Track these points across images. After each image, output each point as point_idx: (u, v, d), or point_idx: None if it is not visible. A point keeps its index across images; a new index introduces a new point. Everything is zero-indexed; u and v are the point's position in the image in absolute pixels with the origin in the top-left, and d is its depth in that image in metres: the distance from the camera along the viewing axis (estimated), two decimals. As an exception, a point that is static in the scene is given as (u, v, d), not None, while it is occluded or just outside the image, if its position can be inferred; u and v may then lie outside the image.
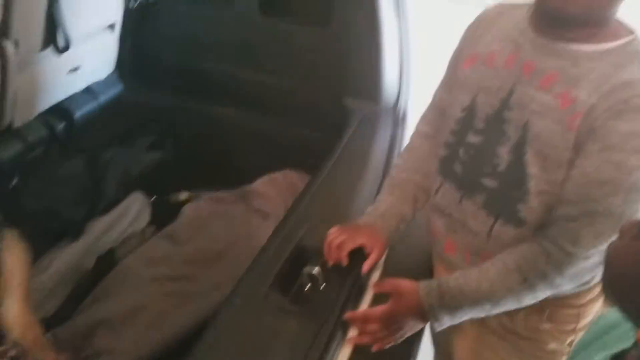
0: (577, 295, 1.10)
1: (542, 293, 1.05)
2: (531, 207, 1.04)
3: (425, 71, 2.20)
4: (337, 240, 1.18)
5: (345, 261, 1.18)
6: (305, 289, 1.22)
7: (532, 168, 1.02)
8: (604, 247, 0.96)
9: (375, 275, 1.29)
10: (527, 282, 1.03)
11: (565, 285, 1.04)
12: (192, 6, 2.09)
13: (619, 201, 0.95)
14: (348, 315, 1.14)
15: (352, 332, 1.15)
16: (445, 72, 1.22)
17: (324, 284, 1.20)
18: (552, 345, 1.16)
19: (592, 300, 1.13)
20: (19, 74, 1.51)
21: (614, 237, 0.95)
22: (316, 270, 1.21)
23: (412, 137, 1.29)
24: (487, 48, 1.10)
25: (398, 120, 1.95)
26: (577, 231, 0.98)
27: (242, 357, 1.05)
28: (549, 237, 1.01)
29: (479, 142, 1.09)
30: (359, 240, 1.19)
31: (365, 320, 1.12)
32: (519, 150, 1.03)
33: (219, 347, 1.06)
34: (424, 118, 1.28)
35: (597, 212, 0.96)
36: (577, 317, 1.14)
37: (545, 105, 1.00)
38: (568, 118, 0.97)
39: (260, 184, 2.04)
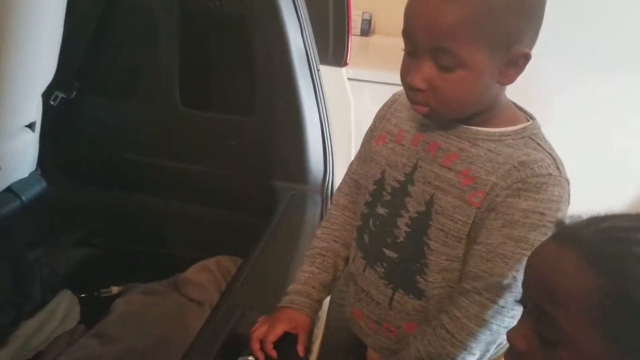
0: None
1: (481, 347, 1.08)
2: (430, 280, 1.10)
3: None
4: (257, 334, 1.19)
5: (273, 354, 1.18)
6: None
7: (434, 242, 1.07)
8: (507, 322, 1.03)
9: (315, 348, 1.29)
10: (460, 343, 1.06)
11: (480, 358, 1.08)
12: (112, 100, 2.11)
13: (520, 275, 0.99)
14: None
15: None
16: (360, 147, 1.29)
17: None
18: None
19: None
20: None
21: (516, 313, 1.01)
22: (251, 358, 1.20)
23: (330, 209, 1.35)
24: (397, 127, 1.17)
25: (326, 198, 2.00)
26: (480, 308, 1.03)
27: None
28: (452, 318, 1.05)
29: (385, 214, 1.14)
30: (279, 329, 1.20)
31: None
32: (420, 224, 1.09)
33: None
34: (340, 190, 1.34)
35: (501, 287, 1.01)
36: None
37: (448, 182, 1.06)
38: (469, 195, 1.03)
39: (193, 272, 2.02)
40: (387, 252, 1.13)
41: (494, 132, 1.04)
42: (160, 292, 2.01)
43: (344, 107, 2.39)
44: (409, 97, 1.04)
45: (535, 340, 0.71)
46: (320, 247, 1.29)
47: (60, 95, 1.98)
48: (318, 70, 2.02)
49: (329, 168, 2.06)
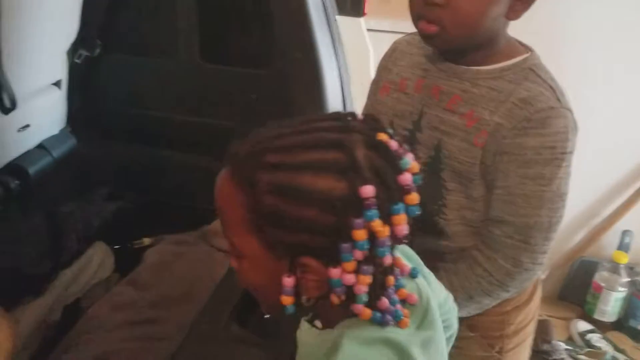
0: (500, 303, 1.15)
1: (493, 302, 1.12)
2: (449, 218, 1.12)
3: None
4: None
5: None
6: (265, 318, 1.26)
7: (450, 183, 1.10)
8: (541, 259, 1.06)
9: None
10: (473, 299, 1.10)
11: (512, 293, 1.11)
12: (134, 57, 2.15)
13: (545, 212, 1.03)
14: None
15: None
16: (366, 100, 1.31)
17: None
18: (479, 353, 1.22)
19: (517, 308, 1.20)
20: (-33, 136, 1.55)
21: (547, 248, 1.03)
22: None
23: None
24: (399, 76, 1.18)
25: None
26: (514, 250, 1.05)
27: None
28: (489, 258, 1.08)
29: None
30: None
31: None
32: (434, 167, 1.10)
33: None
34: None
35: (529, 226, 1.03)
36: (502, 324, 1.20)
37: (453, 126, 1.07)
38: (474, 136, 1.05)
39: (219, 223, 2.07)
40: None
41: (494, 69, 1.05)
42: (189, 243, 2.09)
43: (363, 59, 2.39)
44: (420, 15, 1.02)
45: (233, 257, 0.73)
46: None
47: (84, 53, 2.02)
48: (335, 20, 2.03)
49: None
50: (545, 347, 2.34)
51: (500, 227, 1.05)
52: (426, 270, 0.86)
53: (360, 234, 0.64)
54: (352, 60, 2.14)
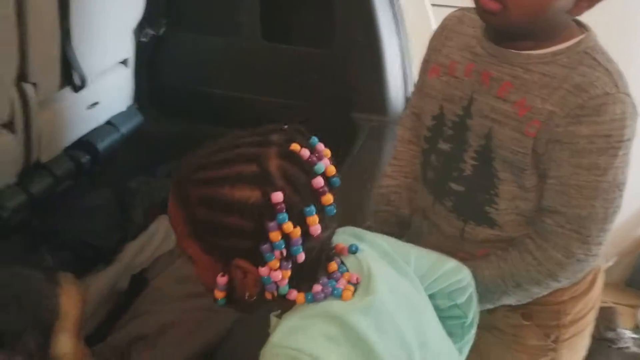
0: (555, 292, 1.12)
1: (543, 292, 1.08)
2: (501, 209, 1.09)
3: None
4: None
5: None
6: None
7: (502, 173, 1.06)
8: (595, 250, 1.02)
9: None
10: (521, 287, 1.07)
11: (564, 284, 1.08)
12: (199, 36, 2.20)
13: (600, 203, 0.98)
14: None
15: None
16: (417, 79, 1.26)
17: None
18: (534, 342, 1.18)
19: (575, 298, 1.15)
20: (40, 113, 1.63)
21: (603, 239, 1.00)
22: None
23: (396, 145, 1.33)
24: (448, 58, 1.13)
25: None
26: (566, 240, 1.01)
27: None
28: (539, 247, 1.04)
29: (448, 149, 1.13)
30: None
31: None
32: (485, 156, 1.07)
33: (237, 350, 1.14)
34: (403, 125, 1.32)
35: (582, 217, 0.99)
36: (559, 314, 1.16)
37: (504, 114, 1.03)
38: (526, 125, 1.00)
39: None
40: (454, 185, 1.13)
41: (546, 53, 1.00)
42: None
43: (426, 36, 2.35)
44: None
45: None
46: (394, 184, 1.29)
47: (150, 32, 2.09)
48: (398, -2, 2.01)
49: (409, 94, 2.06)
50: (610, 334, 2.27)
51: (553, 217, 1.02)
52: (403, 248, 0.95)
53: (275, 236, 0.72)
54: (415, 38, 2.11)
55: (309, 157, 0.75)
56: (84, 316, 1.64)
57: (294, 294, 0.77)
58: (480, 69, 1.07)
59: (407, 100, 1.32)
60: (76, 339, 1.55)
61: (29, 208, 1.73)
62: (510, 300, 1.09)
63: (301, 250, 0.74)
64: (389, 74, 2.03)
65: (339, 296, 0.78)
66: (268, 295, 0.78)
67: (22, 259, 1.74)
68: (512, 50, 1.03)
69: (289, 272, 0.75)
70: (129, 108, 2.14)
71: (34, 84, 1.58)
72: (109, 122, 2.04)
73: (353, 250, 0.86)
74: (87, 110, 1.89)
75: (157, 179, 2.20)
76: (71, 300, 1.62)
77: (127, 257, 1.96)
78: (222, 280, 0.77)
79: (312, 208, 0.74)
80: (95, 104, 1.91)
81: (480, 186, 1.09)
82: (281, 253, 0.73)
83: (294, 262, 0.75)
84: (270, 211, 0.72)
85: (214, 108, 2.26)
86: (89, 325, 1.71)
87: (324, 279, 0.79)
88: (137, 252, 2.00)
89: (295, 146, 0.75)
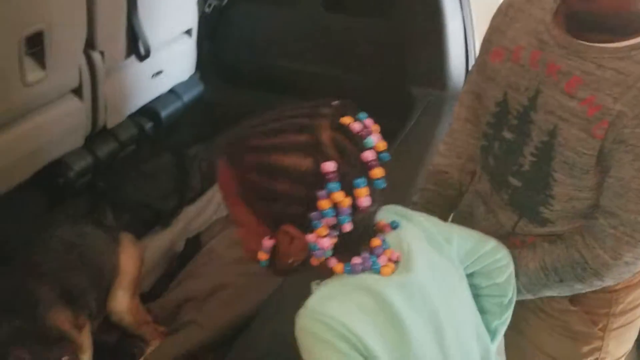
0: None
1: (586, 289, 1.04)
2: (556, 210, 1.04)
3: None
4: None
5: None
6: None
7: (559, 174, 1.00)
8: None
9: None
10: (564, 282, 1.03)
11: (607, 283, 1.03)
12: (260, 7, 2.23)
13: None
14: None
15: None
16: (477, 56, 1.19)
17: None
18: (579, 328, 1.15)
19: (629, 287, 1.11)
20: (107, 80, 1.71)
21: None
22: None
23: (452, 122, 1.28)
24: (513, 42, 1.04)
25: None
26: (616, 243, 0.97)
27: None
28: (587, 245, 1.00)
29: (511, 139, 1.07)
30: None
31: None
32: (545, 154, 1.01)
33: (278, 316, 1.18)
34: (461, 103, 1.26)
35: (638, 222, 0.94)
36: (609, 302, 1.12)
37: (572, 112, 0.95)
38: (594, 126, 0.93)
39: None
40: (512, 179, 1.08)
41: (622, 47, 0.91)
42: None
43: (492, 8, 2.29)
44: None
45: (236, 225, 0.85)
46: (445, 164, 1.26)
47: (214, 2, 2.13)
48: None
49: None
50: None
51: (607, 218, 0.97)
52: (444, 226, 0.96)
53: (324, 204, 0.74)
54: (479, 10, 2.06)
55: (359, 130, 0.77)
56: (140, 275, 1.74)
57: (333, 263, 0.80)
58: (546, 60, 0.98)
59: (468, 75, 1.26)
60: (132, 296, 1.65)
61: (94, 170, 1.83)
62: (552, 292, 1.06)
63: (348, 220, 0.76)
64: (450, 47, 1.99)
65: (378, 271, 0.80)
66: (314, 262, 0.80)
67: (87, 218, 1.84)
68: (584, 43, 0.94)
69: (334, 241, 0.77)
70: (192, 77, 2.21)
71: (102, 52, 1.66)
72: (172, 91, 2.12)
73: (394, 227, 0.87)
74: (151, 78, 1.96)
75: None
76: (130, 260, 1.72)
77: (183, 220, 2.05)
78: (268, 243, 0.79)
79: (363, 180, 0.75)
80: (159, 72, 1.98)
81: (536, 185, 1.04)
82: (329, 221, 0.75)
83: (340, 232, 0.77)
84: (321, 180, 0.74)
85: (274, 78, 2.30)
86: (145, 284, 1.81)
87: (365, 254, 0.81)
88: (194, 217, 2.09)
89: (346, 119, 0.77)
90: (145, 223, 1.98)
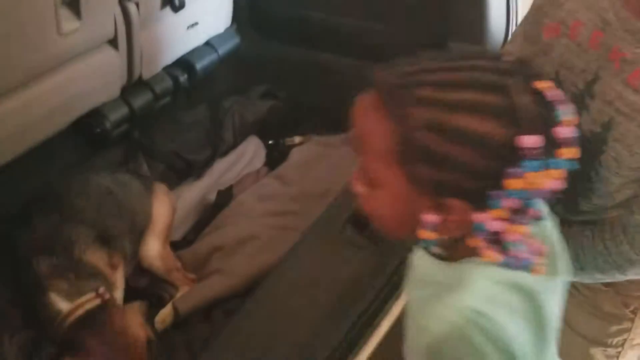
0: None
1: (607, 279, 1.02)
2: (594, 204, 0.99)
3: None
4: None
5: None
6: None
7: (605, 170, 0.94)
8: None
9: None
10: (584, 270, 1.01)
11: (630, 277, 1.01)
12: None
13: None
14: None
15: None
16: (524, 21, 1.09)
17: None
18: (609, 309, 1.13)
19: None
20: (142, 31, 1.73)
21: None
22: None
23: None
24: (571, 15, 0.94)
25: (507, 63, 1.93)
26: None
27: (314, 277, 1.20)
28: (615, 238, 0.96)
29: None
30: None
31: None
32: (594, 146, 0.94)
33: (293, 268, 1.22)
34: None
35: None
36: None
37: (634, 107, 0.87)
38: None
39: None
40: None
41: None
42: (334, 146, 2.18)
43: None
44: None
45: (364, 183, 0.72)
46: None
47: (251, -46, 2.11)
48: None
49: (512, 30, 1.97)
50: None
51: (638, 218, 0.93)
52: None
53: (515, 183, 0.62)
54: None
55: (556, 99, 0.64)
56: (172, 224, 1.80)
57: (489, 249, 0.67)
58: (609, 43, 0.88)
59: (513, 36, 1.15)
60: (163, 244, 1.72)
61: (130, 121, 1.87)
62: (573, 278, 1.06)
63: (539, 205, 0.66)
64: (491, 2, 1.94)
65: (531, 269, 0.69)
66: (472, 243, 0.68)
67: (123, 167, 1.90)
68: None
69: (521, 228, 0.66)
70: (227, 30, 2.21)
71: (137, 3, 1.68)
72: (207, 43, 2.12)
73: (542, 217, 0.74)
74: (187, 30, 1.97)
75: (250, 100, 2.29)
76: (163, 209, 1.78)
77: (216, 172, 2.10)
78: (431, 218, 0.66)
79: (560, 160, 0.63)
80: (195, 24, 1.99)
81: (577, 175, 1.01)
82: (513, 203, 0.64)
83: (520, 216, 0.65)
84: (515, 154, 0.61)
85: (311, 32, 2.28)
86: (177, 233, 1.87)
87: (522, 246, 0.70)
88: (226, 169, 2.13)
89: (542, 83, 0.64)
90: (179, 174, 2.03)
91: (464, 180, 0.63)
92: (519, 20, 1.98)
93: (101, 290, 1.39)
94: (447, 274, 0.72)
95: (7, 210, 1.55)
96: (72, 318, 1.35)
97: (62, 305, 1.37)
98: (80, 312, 1.35)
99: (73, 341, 1.32)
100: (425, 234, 0.68)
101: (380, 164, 0.68)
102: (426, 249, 0.77)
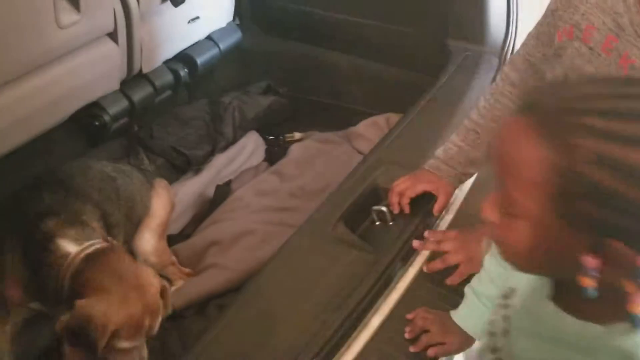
0: None
1: None
2: None
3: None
4: (398, 189, 1.27)
5: (406, 209, 1.27)
6: (376, 223, 1.34)
7: None
8: None
9: (448, 219, 1.36)
10: None
11: None
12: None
13: None
14: (426, 233, 1.24)
15: (421, 258, 1.25)
16: (541, 23, 1.09)
17: (391, 223, 1.31)
18: None
19: None
20: (142, 25, 1.73)
21: None
22: (384, 208, 1.32)
23: (499, 81, 1.23)
24: (585, 18, 0.93)
25: (505, 61, 1.93)
26: None
27: (303, 276, 1.20)
28: None
29: None
30: (419, 188, 1.26)
31: (440, 238, 1.21)
32: None
33: (284, 266, 1.22)
34: (513, 64, 1.20)
35: None
36: None
37: None
38: None
39: (363, 126, 2.14)
40: None
41: None
42: (333, 142, 2.19)
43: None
44: None
45: (499, 210, 0.67)
46: (477, 123, 1.24)
47: (253, -52, 2.11)
48: None
49: (512, 29, 1.96)
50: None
51: None
52: None
53: None
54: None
55: None
56: (169, 220, 1.80)
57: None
58: (621, 49, 0.86)
59: (527, 38, 1.16)
60: (158, 239, 1.71)
61: (129, 115, 1.87)
62: None
63: None
64: (491, 1, 1.93)
65: None
66: (629, 288, 0.59)
67: (124, 160, 1.90)
68: None
69: None
70: (229, 24, 2.21)
71: (137, -3, 1.68)
72: (208, 37, 2.13)
73: None
74: (188, 24, 1.97)
75: (251, 95, 2.29)
76: (161, 204, 1.78)
77: (215, 167, 2.10)
78: (592, 262, 0.59)
79: None
80: (196, 18, 1.99)
81: None
82: None
83: None
84: None
85: (313, 28, 2.28)
86: (175, 227, 1.87)
87: None
88: (225, 164, 2.13)
89: None
90: (178, 168, 2.03)
91: (631, 221, 0.57)
92: (519, 20, 1.99)
93: (110, 239, 1.33)
94: (592, 336, 0.65)
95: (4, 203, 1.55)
96: (82, 256, 1.25)
97: (70, 247, 1.28)
98: (89, 250, 1.27)
99: (82, 281, 1.21)
100: (588, 282, 0.60)
101: (525, 194, 0.62)
102: (565, 300, 0.70)
